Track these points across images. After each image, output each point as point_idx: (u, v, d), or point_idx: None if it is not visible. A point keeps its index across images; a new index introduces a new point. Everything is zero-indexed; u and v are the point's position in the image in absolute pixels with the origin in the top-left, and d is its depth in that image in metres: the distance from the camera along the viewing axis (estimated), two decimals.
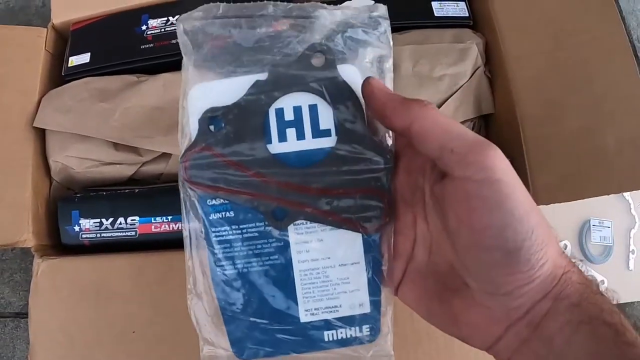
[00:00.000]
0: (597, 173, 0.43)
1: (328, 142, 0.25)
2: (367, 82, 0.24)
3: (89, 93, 0.47)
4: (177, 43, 0.47)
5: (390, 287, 0.26)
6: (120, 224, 0.45)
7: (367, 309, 0.26)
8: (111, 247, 0.45)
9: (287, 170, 0.25)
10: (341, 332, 0.26)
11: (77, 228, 0.46)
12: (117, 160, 0.47)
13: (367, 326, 0.27)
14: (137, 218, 0.45)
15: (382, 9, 0.26)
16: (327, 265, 0.26)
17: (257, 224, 0.25)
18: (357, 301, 0.26)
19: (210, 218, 0.25)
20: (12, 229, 0.46)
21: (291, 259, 0.26)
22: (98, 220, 0.45)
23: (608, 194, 0.43)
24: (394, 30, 0.26)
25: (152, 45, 0.49)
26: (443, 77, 0.46)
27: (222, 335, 0.26)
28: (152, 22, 0.50)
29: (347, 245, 0.26)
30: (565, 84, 0.45)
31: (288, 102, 0.25)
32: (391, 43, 0.26)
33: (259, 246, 0.25)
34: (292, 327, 0.26)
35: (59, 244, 0.47)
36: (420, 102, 0.23)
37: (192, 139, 0.25)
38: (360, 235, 0.26)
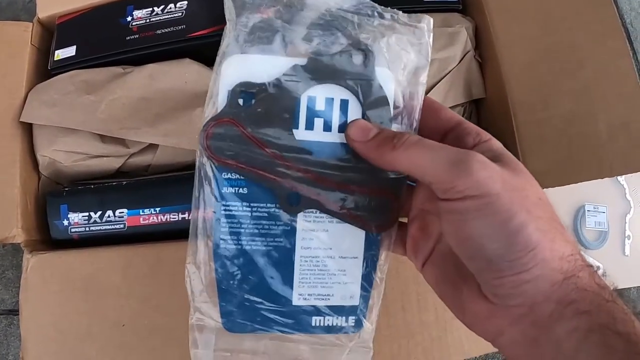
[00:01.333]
0: (589, 158, 0.43)
1: None
2: (346, 132, 0.25)
3: (74, 86, 0.47)
4: (163, 33, 0.48)
5: (380, 288, 0.28)
6: (109, 217, 0.45)
7: (356, 301, 0.27)
8: (100, 241, 0.45)
9: (308, 158, 0.25)
10: (328, 320, 0.27)
11: (66, 222, 0.45)
12: (104, 152, 0.47)
13: (354, 318, 0.28)
14: (125, 210, 0.45)
15: (429, 22, 0.26)
16: (328, 255, 0.27)
17: (269, 205, 0.26)
18: (348, 293, 0.27)
19: (223, 191, 0.25)
20: (1, 225, 0.45)
21: (295, 244, 0.26)
22: (87, 213, 0.45)
23: (600, 178, 0.43)
24: None
25: (137, 36, 0.48)
26: (432, 61, 0.45)
27: (213, 306, 0.27)
28: (137, 13, 0.49)
29: (350, 240, 0.27)
30: (556, 68, 0.45)
31: (321, 92, 0.25)
32: (430, 56, 0.26)
33: (266, 227, 0.26)
34: (283, 308, 0.27)
35: (49, 239, 0.46)
36: (388, 144, 0.23)
37: (219, 109, 0.25)
38: (364, 232, 0.27)
